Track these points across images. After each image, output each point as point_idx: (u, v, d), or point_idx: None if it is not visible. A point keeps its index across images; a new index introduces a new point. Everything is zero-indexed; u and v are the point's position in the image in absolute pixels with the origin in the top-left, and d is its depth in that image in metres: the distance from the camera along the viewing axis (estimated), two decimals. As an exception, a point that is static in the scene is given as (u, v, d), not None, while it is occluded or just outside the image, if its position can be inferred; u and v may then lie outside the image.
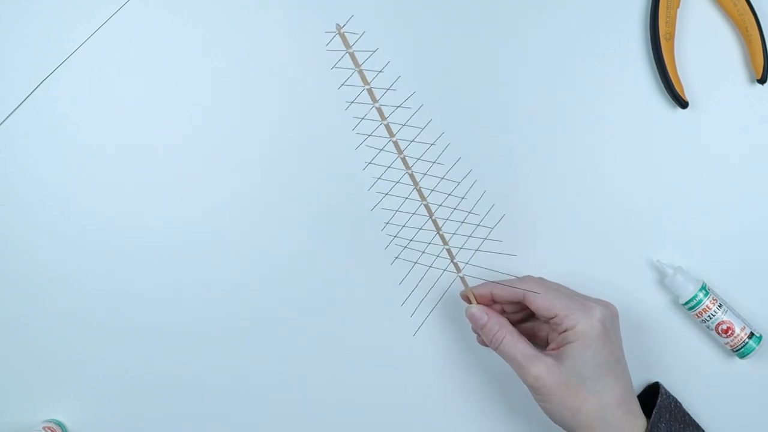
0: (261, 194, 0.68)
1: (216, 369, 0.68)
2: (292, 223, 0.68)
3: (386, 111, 0.56)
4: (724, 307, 0.64)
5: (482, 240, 0.61)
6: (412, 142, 0.57)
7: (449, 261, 0.60)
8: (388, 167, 0.58)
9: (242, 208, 0.68)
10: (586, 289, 0.63)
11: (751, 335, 0.64)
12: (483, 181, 0.63)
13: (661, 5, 0.65)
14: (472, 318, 0.61)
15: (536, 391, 0.58)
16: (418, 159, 0.58)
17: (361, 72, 0.55)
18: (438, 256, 0.60)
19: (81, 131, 0.68)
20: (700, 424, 0.62)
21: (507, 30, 0.68)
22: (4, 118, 0.68)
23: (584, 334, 0.57)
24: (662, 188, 0.67)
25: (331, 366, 0.68)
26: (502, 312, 0.63)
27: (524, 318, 0.64)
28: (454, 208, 0.60)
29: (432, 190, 0.59)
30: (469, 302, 0.62)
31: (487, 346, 0.61)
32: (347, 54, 0.54)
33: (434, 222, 0.59)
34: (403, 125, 0.57)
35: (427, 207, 0.59)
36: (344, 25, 0.54)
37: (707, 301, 0.64)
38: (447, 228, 0.60)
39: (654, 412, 0.59)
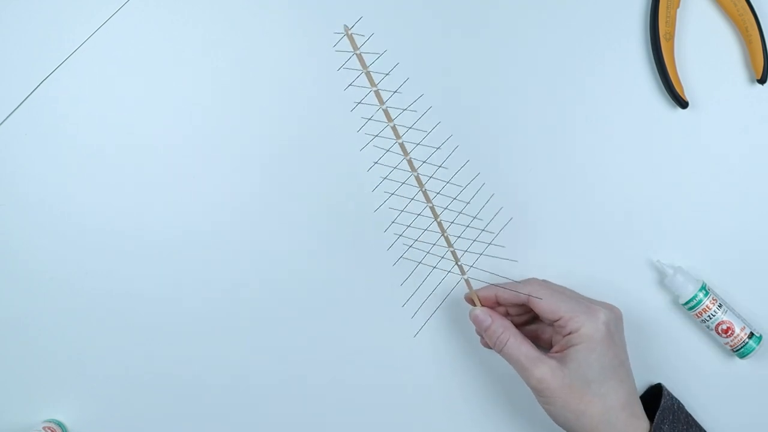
0: (261, 194, 0.68)
1: (216, 369, 0.68)
2: (292, 223, 0.68)
3: (392, 113, 0.56)
4: (724, 307, 0.64)
5: (487, 245, 0.61)
6: (412, 139, 0.57)
7: (453, 263, 0.60)
8: (394, 168, 0.58)
9: (242, 208, 0.68)
10: (586, 290, 0.63)
11: (751, 335, 0.64)
12: (482, 182, 0.63)
13: (661, 5, 0.65)
14: (475, 320, 0.61)
15: (540, 393, 0.58)
16: (424, 162, 0.58)
17: (368, 74, 0.55)
18: (442, 257, 0.60)
19: (81, 131, 0.68)
20: (701, 425, 0.62)
21: (507, 30, 0.68)
22: (4, 118, 0.68)
23: (589, 337, 0.57)
24: (662, 188, 0.67)
25: (331, 366, 0.68)
26: (506, 314, 0.63)
27: (528, 320, 0.64)
28: (459, 212, 0.60)
29: (437, 194, 0.58)
30: (473, 305, 0.62)
31: (490, 348, 0.61)
32: (354, 55, 0.54)
33: (439, 224, 0.59)
34: (410, 128, 0.57)
35: (432, 209, 0.59)
36: (352, 27, 0.54)
37: (707, 301, 0.64)
38: (451, 230, 0.60)
39: (657, 414, 0.59)
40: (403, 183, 0.58)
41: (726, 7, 0.66)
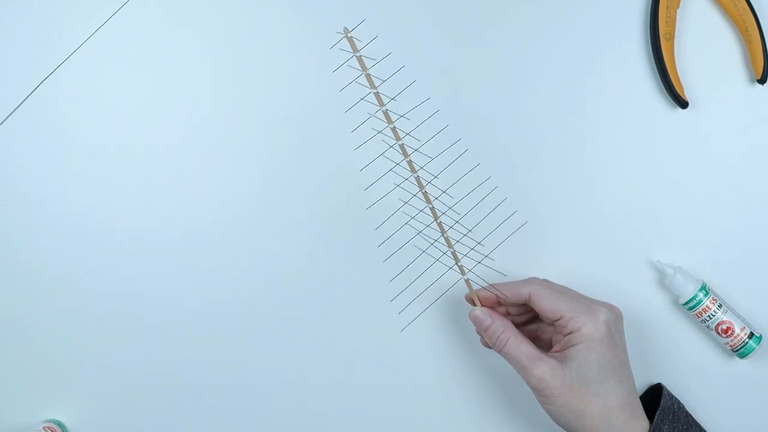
0: (261, 194, 0.68)
1: (216, 369, 0.68)
2: (292, 223, 0.68)
3: (393, 113, 0.56)
4: (724, 307, 0.64)
5: (492, 249, 0.61)
6: (411, 136, 0.57)
7: (454, 263, 0.60)
8: (391, 169, 0.58)
9: (242, 208, 0.68)
10: (586, 290, 0.63)
11: (751, 335, 0.64)
12: (482, 182, 0.63)
13: (661, 5, 0.65)
14: (475, 320, 0.61)
15: (540, 392, 0.58)
16: (422, 167, 0.58)
17: (368, 76, 0.55)
18: (438, 259, 0.60)
19: (81, 131, 0.68)
20: (701, 425, 0.62)
21: (507, 31, 0.68)
22: (4, 118, 0.68)
23: (589, 336, 0.57)
24: (662, 188, 0.67)
25: (331, 366, 0.68)
26: (507, 314, 0.63)
27: (528, 320, 0.64)
28: (459, 218, 0.60)
29: (437, 197, 0.59)
30: (474, 305, 0.62)
31: (490, 348, 0.61)
32: (354, 57, 0.54)
33: (439, 225, 0.59)
34: (410, 132, 0.57)
35: (432, 210, 0.59)
36: (353, 29, 0.54)
37: (707, 301, 0.64)
38: (451, 230, 0.60)
39: (657, 414, 0.59)
40: (399, 185, 0.58)
41: (726, 7, 0.66)
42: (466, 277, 0.61)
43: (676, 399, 0.62)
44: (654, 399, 0.62)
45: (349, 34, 0.54)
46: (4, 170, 0.68)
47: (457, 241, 0.60)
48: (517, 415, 0.68)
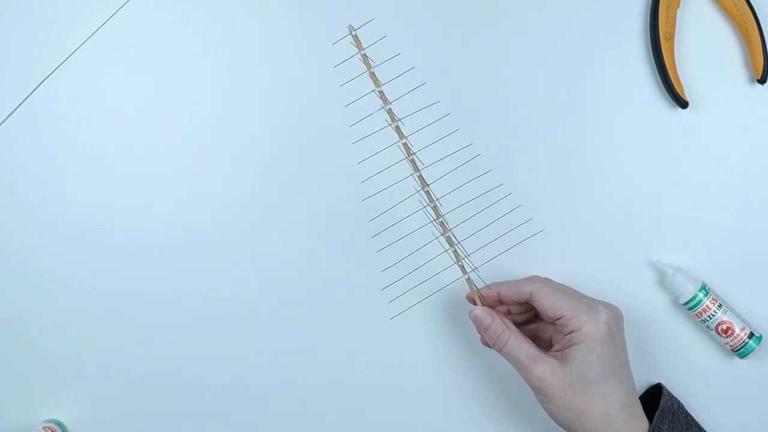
0: (261, 194, 0.68)
1: (216, 369, 0.68)
2: (292, 223, 0.68)
3: (394, 114, 0.56)
4: (724, 307, 0.64)
5: (498, 254, 0.61)
6: (413, 140, 0.57)
7: (455, 262, 0.60)
8: (389, 167, 0.58)
9: (242, 208, 0.68)
10: (586, 289, 0.63)
11: (751, 335, 0.64)
12: (482, 182, 0.63)
13: (661, 5, 0.65)
14: (475, 320, 0.61)
15: (540, 392, 0.58)
16: (426, 167, 0.58)
17: (373, 75, 0.55)
18: (433, 259, 0.60)
19: (81, 131, 0.68)
20: (701, 425, 0.62)
21: (507, 31, 0.68)
22: (4, 118, 0.68)
23: (590, 336, 0.57)
24: (662, 188, 0.67)
25: (331, 366, 0.68)
26: (508, 313, 0.63)
27: (529, 319, 0.64)
28: (461, 218, 0.60)
29: (437, 200, 0.59)
30: (475, 304, 0.62)
31: (490, 347, 0.61)
32: (359, 56, 0.54)
33: (441, 224, 0.59)
34: (413, 133, 0.57)
35: (435, 209, 0.59)
36: (359, 28, 0.54)
37: (707, 301, 0.64)
38: (451, 229, 0.60)
39: (657, 414, 0.59)
40: (398, 183, 0.58)
41: (726, 7, 0.66)
42: (467, 277, 0.61)
43: (675, 399, 0.62)
44: (654, 399, 0.62)
45: (353, 32, 0.54)
46: (4, 170, 0.68)
47: (459, 242, 0.60)
48: (517, 415, 0.68)
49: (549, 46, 0.67)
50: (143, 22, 0.68)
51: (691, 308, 0.64)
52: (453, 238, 0.60)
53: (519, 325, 0.63)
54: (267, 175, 0.68)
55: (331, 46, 0.56)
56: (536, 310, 0.61)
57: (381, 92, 0.56)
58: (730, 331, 0.64)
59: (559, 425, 0.59)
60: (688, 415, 0.62)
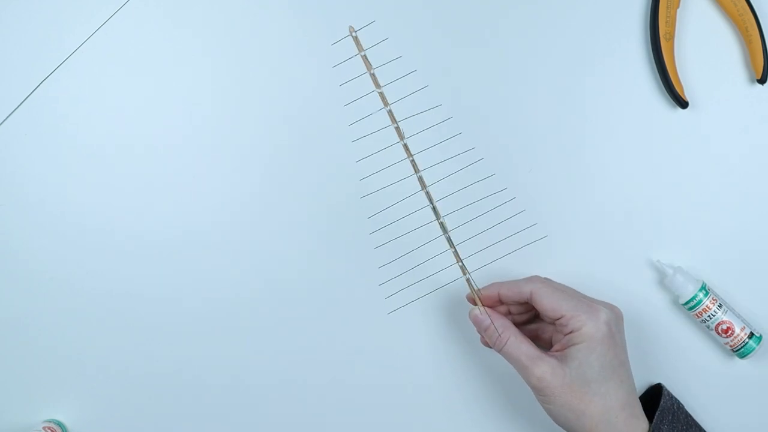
0: (261, 194, 0.68)
1: (216, 369, 0.68)
2: (292, 223, 0.68)
3: (395, 113, 0.56)
4: (724, 307, 0.64)
5: (499, 257, 0.61)
6: (415, 139, 0.57)
7: (455, 263, 0.60)
8: (389, 166, 0.58)
9: (242, 208, 0.68)
10: (586, 289, 0.63)
11: (751, 335, 0.64)
12: (482, 182, 0.63)
13: (661, 5, 0.65)
14: (475, 320, 0.61)
15: (540, 392, 0.58)
16: (426, 168, 0.58)
17: (373, 75, 0.55)
18: (432, 259, 0.60)
19: (81, 131, 0.68)
20: (701, 425, 0.62)
21: (507, 31, 0.68)
22: (4, 118, 0.68)
23: (590, 336, 0.57)
24: (662, 188, 0.67)
25: (331, 366, 0.68)
26: (508, 313, 0.63)
27: (529, 319, 0.64)
28: (460, 218, 0.60)
29: (437, 201, 0.59)
30: (475, 304, 0.62)
31: (490, 347, 0.61)
32: (359, 57, 0.54)
33: (441, 225, 0.59)
34: (414, 134, 0.57)
35: (434, 210, 0.59)
36: (359, 29, 0.54)
37: (707, 301, 0.64)
38: (450, 227, 0.60)
39: (656, 414, 0.59)
40: (394, 183, 0.58)
41: (726, 7, 0.66)
42: (467, 277, 0.61)
43: (675, 399, 0.62)
44: (654, 399, 0.62)
45: (354, 33, 0.54)
46: (4, 170, 0.68)
47: (459, 243, 0.60)
48: (517, 415, 0.68)
49: (549, 46, 0.67)
50: (143, 22, 0.68)
51: (691, 308, 0.64)
52: (453, 239, 0.60)
53: (519, 325, 0.63)
54: (267, 175, 0.68)
55: (331, 47, 0.56)
56: (536, 310, 0.61)
57: (381, 93, 0.56)
58: (730, 331, 0.64)
59: (559, 425, 0.59)
60: (688, 415, 0.61)
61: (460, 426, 0.68)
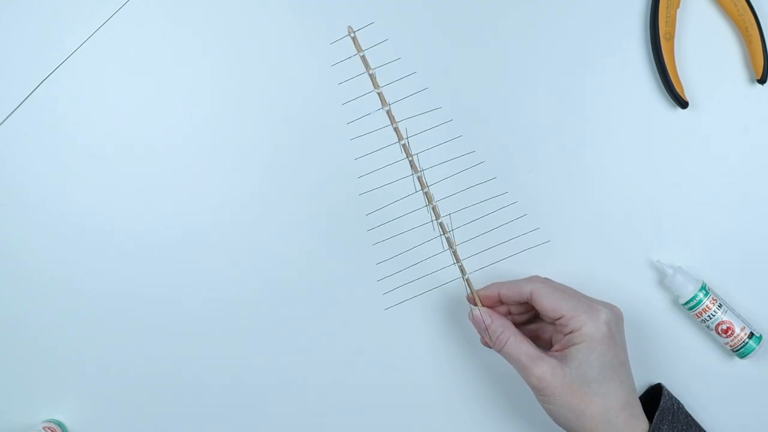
0: (261, 194, 0.68)
1: (216, 369, 0.68)
2: (292, 223, 0.68)
3: (395, 113, 0.56)
4: (724, 307, 0.64)
5: (500, 259, 0.61)
6: (415, 140, 0.57)
7: (454, 263, 0.60)
8: (388, 165, 0.58)
9: (242, 208, 0.68)
10: (586, 289, 0.63)
11: (751, 335, 0.64)
12: (482, 182, 0.63)
13: (661, 5, 0.65)
14: (475, 320, 0.61)
15: (540, 392, 0.58)
16: (426, 168, 0.58)
17: (372, 76, 0.55)
18: (435, 255, 0.60)
19: (81, 131, 0.68)
20: (701, 425, 0.62)
21: (507, 30, 0.68)
22: (4, 118, 0.68)
23: (590, 336, 0.57)
24: (662, 188, 0.67)
25: (331, 366, 0.68)
26: (508, 313, 0.63)
27: (529, 319, 0.64)
28: (460, 218, 0.60)
29: (437, 201, 0.59)
30: (475, 304, 0.62)
31: (490, 347, 0.61)
32: (358, 57, 0.54)
33: (441, 225, 0.59)
34: (414, 134, 0.57)
35: (434, 210, 0.59)
36: (358, 30, 0.54)
37: (707, 301, 0.64)
38: (452, 229, 0.60)
39: (656, 414, 0.59)
40: (393, 182, 0.58)
41: (726, 7, 0.66)
42: (466, 277, 0.61)
43: (675, 399, 0.62)
44: (654, 399, 0.62)
45: (353, 34, 0.54)
46: (4, 170, 0.68)
47: (459, 244, 0.60)
48: (517, 415, 0.68)
49: (549, 46, 0.67)
50: (143, 22, 0.68)
51: (691, 308, 0.64)
52: (452, 239, 0.60)
53: (519, 325, 0.63)
54: (267, 174, 0.68)
55: (331, 47, 0.56)
56: (536, 310, 0.61)
57: (380, 94, 0.56)
58: (730, 331, 0.64)
59: (559, 425, 0.59)
60: (688, 415, 0.61)
61: (460, 426, 0.68)
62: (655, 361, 0.67)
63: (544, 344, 0.63)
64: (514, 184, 0.66)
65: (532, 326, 0.64)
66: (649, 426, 0.58)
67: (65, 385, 0.68)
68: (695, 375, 0.66)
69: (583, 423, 0.57)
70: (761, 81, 0.65)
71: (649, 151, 0.67)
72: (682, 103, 0.66)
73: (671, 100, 0.66)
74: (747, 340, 0.64)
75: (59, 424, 0.68)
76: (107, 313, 0.68)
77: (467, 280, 0.61)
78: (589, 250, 0.67)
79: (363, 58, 0.55)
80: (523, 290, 0.60)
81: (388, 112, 0.56)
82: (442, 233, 0.59)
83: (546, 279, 0.63)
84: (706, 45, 0.67)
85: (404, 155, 0.57)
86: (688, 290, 0.64)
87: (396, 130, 0.57)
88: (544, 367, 0.57)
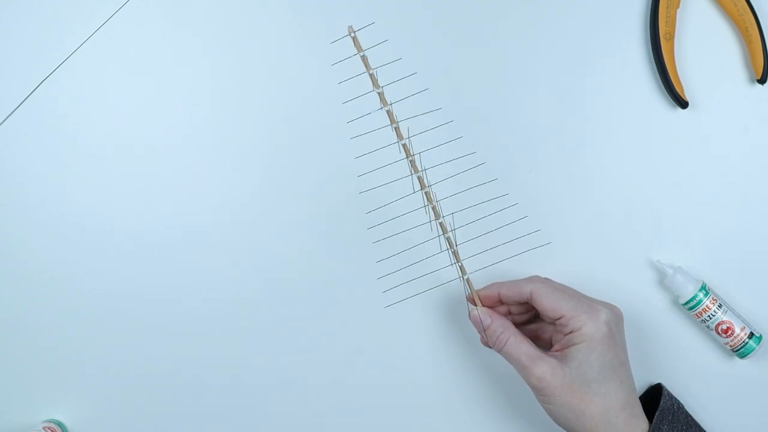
0: (261, 194, 0.68)
1: (216, 369, 0.68)
2: (292, 223, 0.68)
3: (395, 113, 0.56)
4: (724, 307, 0.64)
5: (500, 260, 0.60)
6: (415, 139, 0.57)
7: (454, 263, 0.60)
8: (388, 165, 0.58)
9: (242, 208, 0.68)
10: (586, 289, 0.63)
11: (751, 335, 0.64)
12: (482, 182, 0.63)
13: (661, 5, 0.65)
14: (475, 320, 0.61)
15: (540, 392, 0.58)
16: (426, 169, 0.58)
17: (372, 76, 0.55)
18: (434, 255, 0.60)
19: (81, 131, 0.68)
20: (701, 425, 0.62)
21: (507, 30, 0.68)
22: (4, 118, 0.68)
23: (590, 336, 0.57)
24: (662, 188, 0.67)
25: (331, 366, 0.68)
26: (508, 313, 0.63)
27: (529, 319, 0.64)
28: (460, 217, 0.60)
29: (437, 201, 0.59)
30: (475, 304, 0.62)
31: (490, 347, 0.61)
32: (359, 57, 0.54)
33: (441, 225, 0.59)
34: (414, 134, 0.57)
35: (434, 209, 0.59)
36: (358, 30, 0.54)
37: (707, 301, 0.64)
38: (452, 229, 0.60)
39: (656, 414, 0.59)
40: (393, 182, 0.58)
41: (726, 7, 0.66)
42: (466, 277, 0.61)
43: (675, 399, 0.62)
44: (654, 399, 0.62)
45: (353, 33, 0.54)
46: (4, 170, 0.68)
47: (459, 244, 0.60)
48: (517, 415, 0.68)
49: (549, 46, 0.67)
50: (143, 22, 0.68)
51: (691, 308, 0.64)
52: (452, 239, 0.60)
53: (519, 325, 0.63)
54: (267, 174, 0.68)
55: (332, 47, 0.56)
56: (536, 310, 0.61)
57: (380, 93, 0.56)
58: (730, 331, 0.64)
59: (559, 425, 0.59)
60: (688, 415, 0.61)
61: (460, 426, 0.68)
62: (655, 361, 0.67)
63: (544, 344, 0.63)
64: (514, 184, 0.66)
65: (532, 326, 0.64)
66: (649, 426, 0.58)
67: (65, 385, 0.68)
68: (695, 375, 0.66)
69: (583, 423, 0.57)
70: (761, 81, 0.65)
71: (649, 151, 0.67)
72: (682, 103, 0.66)
73: (671, 100, 0.66)
74: (747, 340, 0.64)
75: (59, 424, 0.68)
76: (107, 313, 0.68)
77: (467, 280, 0.61)
78: (589, 250, 0.67)
79: (363, 57, 0.55)
80: (523, 290, 0.60)
81: (389, 112, 0.56)
82: (442, 233, 0.59)
83: (546, 279, 0.63)
84: (706, 45, 0.67)
85: (404, 155, 0.57)
86: (688, 290, 0.64)
87: (396, 129, 0.57)
88: (544, 367, 0.57)
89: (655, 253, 0.67)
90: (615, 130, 0.67)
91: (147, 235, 0.68)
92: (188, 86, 0.68)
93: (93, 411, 0.69)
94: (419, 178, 0.58)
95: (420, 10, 0.68)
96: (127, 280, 0.68)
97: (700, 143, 0.67)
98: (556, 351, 0.59)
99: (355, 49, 0.54)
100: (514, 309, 0.64)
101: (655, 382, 0.66)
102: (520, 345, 0.59)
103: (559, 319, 0.58)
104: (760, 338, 0.64)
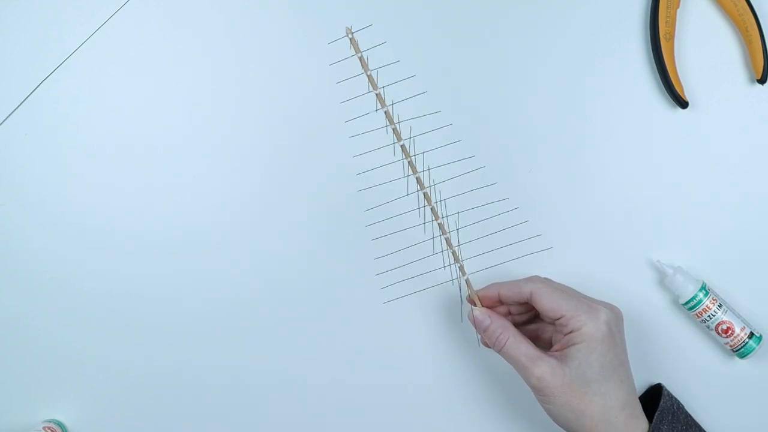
0: (261, 194, 0.68)
1: (216, 369, 0.68)
2: (292, 223, 0.68)
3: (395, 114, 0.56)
4: (724, 307, 0.64)
5: (501, 262, 0.61)
6: (414, 139, 0.57)
7: (454, 263, 0.60)
8: (386, 165, 0.58)
9: (242, 208, 0.68)
10: (586, 289, 0.63)
11: (751, 335, 0.64)
12: (482, 182, 0.63)
13: (661, 5, 0.65)
14: (475, 321, 0.61)
15: (540, 392, 0.58)
16: (426, 170, 0.58)
17: (370, 76, 0.55)
18: (432, 254, 0.60)
19: (81, 131, 0.68)
20: (701, 425, 0.62)
21: (507, 30, 0.68)
22: (4, 118, 0.68)
23: (590, 336, 0.57)
24: (662, 188, 0.67)
25: (331, 366, 0.68)
26: (508, 313, 0.63)
27: (529, 319, 0.64)
28: (459, 218, 0.60)
29: (436, 201, 0.59)
30: (475, 305, 0.62)
31: (490, 347, 0.61)
32: (356, 58, 0.54)
33: (440, 226, 0.59)
34: (416, 136, 0.57)
35: (433, 210, 0.59)
36: (356, 31, 0.54)
37: (707, 301, 0.64)
38: (450, 227, 0.60)
39: (656, 415, 0.59)
40: (392, 181, 0.58)
41: (726, 7, 0.66)
42: (466, 277, 0.61)
43: (675, 399, 0.62)
44: (654, 399, 0.62)
45: (350, 35, 0.54)
46: (4, 170, 0.68)
47: (459, 245, 0.60)
48: (517, 415, 0.68)
49: (549, 46, 0.67)
50: (143, 22, 0.68)
51: (691, 308, 0.64)
52: (452, 240, 0.60)
53: (519, 325, 0.63)
54: (266, 174, 0.68)
55: (331, 48, 0.56)
56: (536, 310, 0.61)
57: (378, 94, 0.56)
58: (730, 331, 0.64)
59: (559, 425, 0.59)
60: (688, 415, 0.61)
61: (460, 426, 0.68)
62: (655, 361, 0.67)
63: (544, 344, 0.63)
64: (513, 184, 0.66)
65: (532, 326, 0.64)
66: (649, 426, 0.58)
67: (65, 385, 0.68)
68: (695, 375, 0.66)
69: (583, 423, 0.57)
70: (761, 81, 0.65)
71: (649, 151, 0.67)
72: (682, 103, 0.66)
73: (671, 100, 0.66)
74: (747, 340, 0.64)
75: (59, 424, 0.68)
76: (107, 313, 0.68)
77: (467, 281, 0.61)
78: (589, 251, 0.67)
79: (361, 59, 0.55)
80: (522, 290, 0.60)
81: (387, 113, 0.56)
82: (441, 234, 0.59)
83: (546, 279, 0.63)
84: (706, 45, 0.67)
85: (403, 156, 0.57)
86: (688, 290, 0.64)
87: (395, 130, 0.57)
88: (543, 367, 0.57)
89: (655, 253, 0.67)
90: (615, 131, 0.67)
91: (147, 235, 0.68)
92: (188, 86, 0.68)
93: (93, 411, 0.69)
94: (418, 179, 0.58)
95: (420, 10, 0.68)
96: (127, 280, 0.68)
97: (700, 143, 0.67)
98: (556, 351, 0.59)
99: (354, 50, 0.54)
100: (513, 309, 0.64)
101: (655, 382, 0.66)
102: (519, 345, 0.59)
103: (559, 319, 0.58)
104: (760, 338, 0.64)
